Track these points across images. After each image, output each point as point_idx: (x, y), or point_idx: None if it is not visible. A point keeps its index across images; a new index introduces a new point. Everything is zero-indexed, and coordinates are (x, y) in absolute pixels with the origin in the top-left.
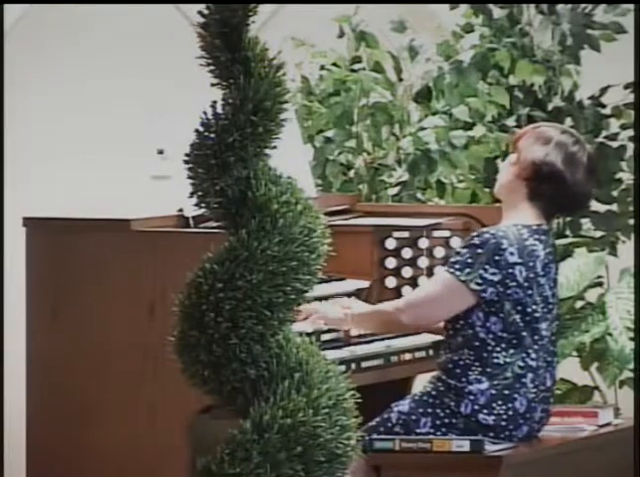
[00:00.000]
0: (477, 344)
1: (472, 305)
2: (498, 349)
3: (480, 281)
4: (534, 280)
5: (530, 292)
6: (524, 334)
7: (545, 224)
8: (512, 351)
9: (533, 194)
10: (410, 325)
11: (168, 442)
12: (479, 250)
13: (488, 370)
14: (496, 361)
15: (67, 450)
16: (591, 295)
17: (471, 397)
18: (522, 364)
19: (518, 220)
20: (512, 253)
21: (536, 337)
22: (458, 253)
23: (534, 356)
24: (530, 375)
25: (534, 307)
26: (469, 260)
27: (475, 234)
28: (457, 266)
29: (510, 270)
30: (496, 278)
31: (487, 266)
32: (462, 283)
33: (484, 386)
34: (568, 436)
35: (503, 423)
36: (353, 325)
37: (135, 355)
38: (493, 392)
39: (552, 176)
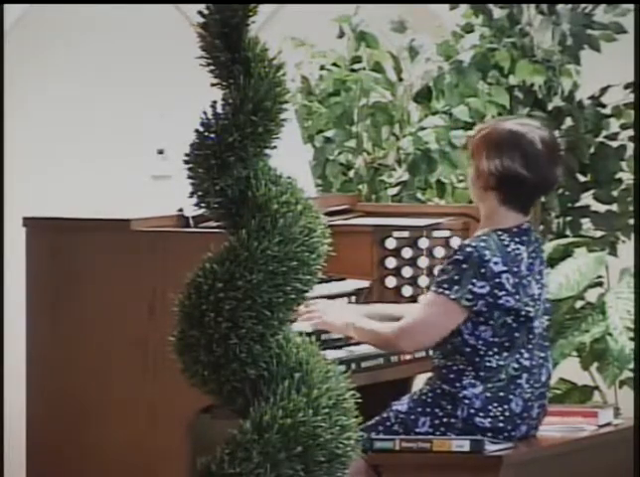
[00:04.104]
0: (468, 350)
1: None
2: (490, 353)
3: (470, 297)
4: (519, 284)
5: (518, 297)
6: (517, 335)
7: (525, 222)
8: (505, 354)
9: (504, 200)
10: (410, 350)
11: (168, 442)
12: (464, 265)
13: (481, 374)
14: (489, 364)
15: (67, 450)
16: (591, 295)
17: (466, 402)
18: (516, 365)
19: (497, 223)
20: (496, 263)
21: (530, 336)
22: (444, 271)
23: (527, 355)
24: (525, 375)
25: (526, 309)
26: (456, 277)
27: (457, 248)
28: (445, 286)
29: (497, 280)
30: (485, 291)
31: (474, 280)
32: (453, 301)
33: (478, 390)
34: (568, 436)
35: (500, 425)
36: (353, 335)
37: (135, 355)
38: (488, 394)
39: (514, 180)
